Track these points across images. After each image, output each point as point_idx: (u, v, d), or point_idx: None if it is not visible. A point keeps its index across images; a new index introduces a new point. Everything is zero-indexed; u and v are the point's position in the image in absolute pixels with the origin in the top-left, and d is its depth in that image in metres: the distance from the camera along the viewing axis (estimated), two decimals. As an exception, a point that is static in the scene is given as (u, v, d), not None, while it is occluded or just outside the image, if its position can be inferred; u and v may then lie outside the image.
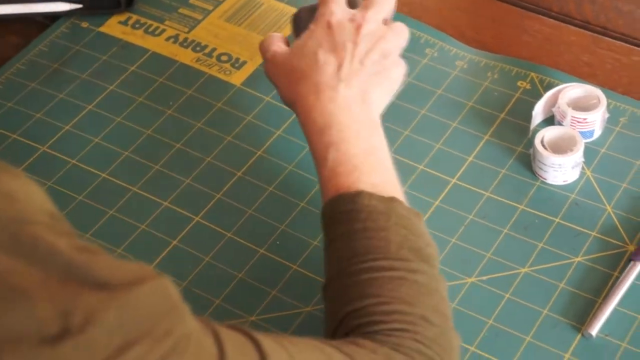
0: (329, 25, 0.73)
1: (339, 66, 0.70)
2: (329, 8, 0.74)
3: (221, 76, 0.85)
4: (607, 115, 0.80)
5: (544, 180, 0.77)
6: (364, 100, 0.70)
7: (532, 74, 0.85)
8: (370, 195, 0.63)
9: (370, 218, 0.62)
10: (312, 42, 0.72)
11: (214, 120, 0.82)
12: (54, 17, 0.89)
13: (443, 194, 0.77)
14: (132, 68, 0.86)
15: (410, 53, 0.86)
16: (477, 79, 0.85)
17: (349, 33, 0.72)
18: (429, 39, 0.88)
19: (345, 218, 0.63)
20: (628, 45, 0.88)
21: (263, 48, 0.75)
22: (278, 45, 0.74)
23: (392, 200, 0.64)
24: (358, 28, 0.72)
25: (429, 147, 0.80)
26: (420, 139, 0.81)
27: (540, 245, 0.73)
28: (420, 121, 0.82)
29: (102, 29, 0.89)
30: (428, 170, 0.78)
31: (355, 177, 0.65)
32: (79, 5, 0.88)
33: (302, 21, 0.76)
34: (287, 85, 0.72)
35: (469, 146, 0.80)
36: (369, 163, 0.66)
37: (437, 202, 0.76)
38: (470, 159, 0.79)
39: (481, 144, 0.80)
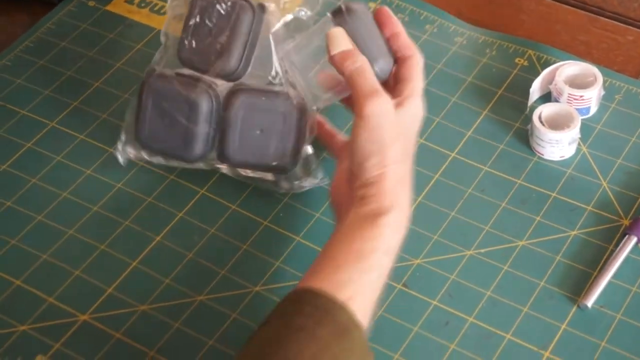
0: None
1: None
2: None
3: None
4: (602, 92, 0.82)
5: (541, 156, 0.79)
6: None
7: (530, 51, 0.87)
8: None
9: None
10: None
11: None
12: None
13: (442, 168, 0.79)
14: (138, 46, 0.87)
15: (410, 29, 0.88)
16: (475, 55, 0.87)
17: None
18: (429, 16, 0.90)
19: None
20: (623, 24, 0.90)
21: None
22: None
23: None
24: None
25: (429, 120, 0.82)
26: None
27: (538, 219, 0.76)
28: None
29: (108, 7, 0.91)
30: (428, 143, 0.80)
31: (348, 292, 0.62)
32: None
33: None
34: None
35: (468, 121, 0.82)
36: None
37: (437, 176, 0.78)
38: (469, 133, 0.81)
39: (480, 119, 0.82)
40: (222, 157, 0.74)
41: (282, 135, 0.73)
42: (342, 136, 0.75)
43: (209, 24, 0.74)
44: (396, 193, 0.65)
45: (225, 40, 0.73)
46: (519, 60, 0.86)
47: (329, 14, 0.71)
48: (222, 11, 0.73)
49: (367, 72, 0.67)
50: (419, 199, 0.77)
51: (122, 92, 0.84)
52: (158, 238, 0.74)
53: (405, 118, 0.68)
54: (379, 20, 0.71)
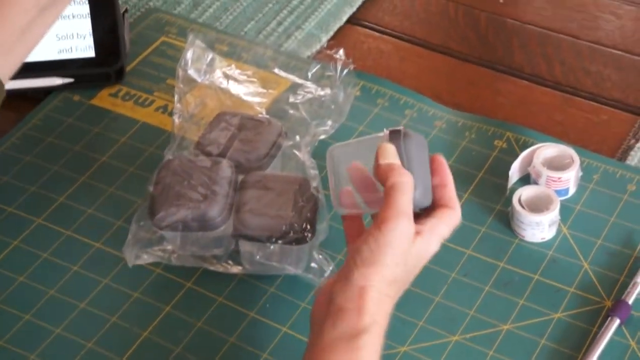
0: None
1: None
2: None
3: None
4: (580, 173, 0.84)
5: (523, 238, 0.80)
6: None
7: (508, 133, 0.89)
8: None
9: None
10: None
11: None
12: (46, 91, 0.92)
13: (426, 253, 0.80)
14: (123, 139, 0.89)
15: (390, 114, 0.90)
16: (455, 139, 0.89)
17: None
18: (408, 100, 0.92)
19: None
20: (597, 104, 0.92)
21: None
22: None
23: None
24: None
25: (411, 207, 0.83)
26: (402, 199, 0.84)
27: (521, 302, 0.76)
28: (402, 182, 0.85)
29: (93, 101, 0.92)
30: (411, 230, 0.81)
31: None
32: (71, 80, 0.91)
33: None
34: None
35: (450, 205, 0.83)
36: None
37: (420, 262, 0.79)
38: (451, 218, 0.83)
39: (462, 202, 0.82)
40: (240, 225, 0.75)
41: (298, 207, 0.75)
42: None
43: (232, 128, 0.82)
44: (377, 310, 0.64)
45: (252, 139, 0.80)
46: (498, 143, 0.88)
47: (386, 130, 0.70)
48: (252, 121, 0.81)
49: (409, 193, 0.66)
50: (404, 285, 0.78)
51: (108, 186, 0.85)
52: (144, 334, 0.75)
53: (418, 251, 0.67)
54: (432, 166, 0.70)
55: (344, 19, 1.02)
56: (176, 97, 0.85)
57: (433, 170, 0.70)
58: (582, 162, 0.84)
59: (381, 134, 0.70)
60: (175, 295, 0.77)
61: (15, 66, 0.70)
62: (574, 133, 0.90)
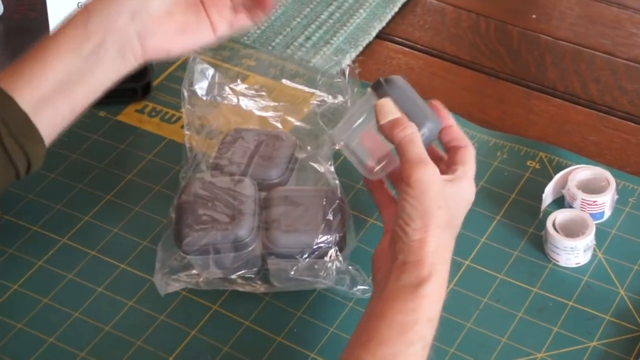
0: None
1: None
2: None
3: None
4: (616, 196, 0.82)
5: (557, 263, 0.79)
6: None
7: (541, 153, 0.87)
8: None
9: None
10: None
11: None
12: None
13: (457, 276, 0.78)
14: (149, 156, 0.87)
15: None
16: (487, 159, 0.87)
17: None
18: (438, 119, 0.90)
19: None
20: (633, 124, 0.90)
21: None
22: None
23: None
24: None
25: (441, 228, 0.81)
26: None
27: (555, 329, 0.74)
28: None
29: (120, 117, 0.91)
30: (442, 252, 0.80)
31: None
32: (96, 95, 0.90)
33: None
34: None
35: (482, 227, 0.82)
36: None
37: (452, 285, 0.78)
38: (483, 240, 0.81)
39: (493, 224, 0.82)
40: (270, 244, 0.74)
41: (327, 220, 0.74)
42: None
43: (248, 145, 0.80)
44: (435, 260, 0.66)
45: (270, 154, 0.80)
46: (531, 163, 0.86)
47: (369, 89, 0.73)
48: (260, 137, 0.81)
49: (417, 141, 0.69)
50: (435, 310, 0.76)
51: (134, 205, 0.83)
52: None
53: (452, 194, 0.69)
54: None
55: (373, 34, 1.00)
56: (185, 119, 0.83)
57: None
58: (618, 185, 0.82)
59: (368, 94, 0.72)
60: (201, 318, 0.76)
61: (53, 122, 0.70)
62: (609, 154, 0.88)
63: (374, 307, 0.66)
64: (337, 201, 0.76)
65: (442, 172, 0.70)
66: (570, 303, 0.76)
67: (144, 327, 0.75)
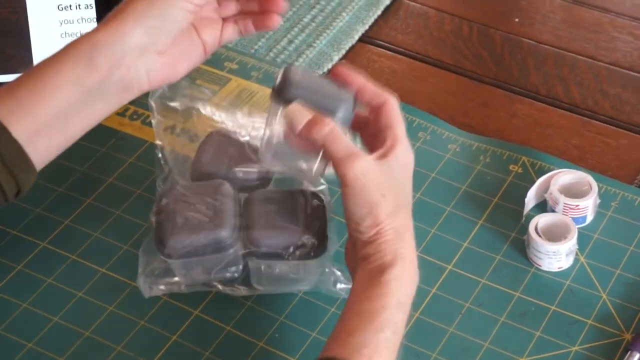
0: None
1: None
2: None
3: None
4: (598, 200, 0.82)
5: (539, 267, 0.78)
6: None
7: (524, 157, 0.87)
8: None
9: None
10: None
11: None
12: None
13: (440, 282, 0.78)
14: (130, 160, 0.87)
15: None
16: (469, 163, 0.87)
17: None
18: (421, 123, 0.90)
19: None
20: (615, 128, 0.90)
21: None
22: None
23: None
24: None
25: (424, 232, 0.81)
26: (415, 223, 0.82)
27: (537, 334, 0.74)
28: (415, 205, 0.82)
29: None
30: (424, 256, 0.79)
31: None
32: (77, 98, 0.90)
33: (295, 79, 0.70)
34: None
35: (464, 231, 0.81)
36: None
37: (434, 290, 0.77)
38: (465, 244, 0.81)
39: (476, 229, 0.82)
40: (250, 244, 0.73)
41: (308, 220, 0.74)
42: None
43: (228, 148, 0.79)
44: (396, 246, 0.66)
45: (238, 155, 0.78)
46: (513, 167, 0.86)
47: (271, 101, 0.70)
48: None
49: (338, 135, 0.67)
50: (416, 314, 0.75)
51: (115, 209, 0.83)
52: None
53: (392, 169, 0.67)
54: (340, 81, 0.70)
55: (356, 37, 1.00)
56: (155, 131, 0.82)
57: (342, 82, 0.70)
58: (600, 189, 0.82)
59: (272, 110, 0.70)
60: (182, 323, 0.75)
61: (47, 152, 0.69)
62: (591, 157, 0.88)
63: (347, 300, 0.66)
64: (317, 201, 0.75)
65: (372, 137, 0.69)
66: (553, 307, 0.76)
67: (125, 332, 0.74)
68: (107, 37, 0.70)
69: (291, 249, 0.73)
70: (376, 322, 0.63)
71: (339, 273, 0.75)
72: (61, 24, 0.89)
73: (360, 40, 1.00)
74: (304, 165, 0.71)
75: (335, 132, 0.67)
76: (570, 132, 0.90)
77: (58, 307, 0.76)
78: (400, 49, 0.99)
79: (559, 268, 0.78)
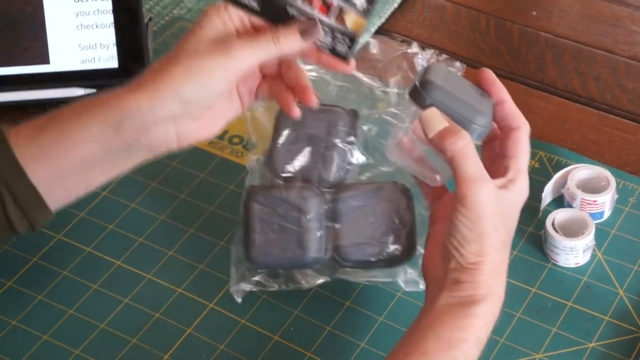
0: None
1: None
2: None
3: (233, 158, 0.86)
4: (616, 196, 0.81)
5: (556, 263, 0.78)
6: None
7: (541, 152, 0.86)
8: None
9: None
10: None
11: (226, 204, 0.82)
12: (68, 102, 0.90)
13: (455, 276, 0.78)
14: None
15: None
16: (486, 157, 0.86)
17: None
18: (437, 116, 0.89)
19: None
20: (633, 122, 0.90)
21: None
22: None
23: None
24: None
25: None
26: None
27: (554, 330, 0.74)
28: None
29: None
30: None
31: None
32: (93, 90, 0.89)
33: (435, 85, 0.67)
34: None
35: (480, 226, 0.81)
36: None
37: (449, 285, 0.77)
38: (482, 239, 0.80)
39: (492, 223, 0.81)
40: (340, 258, 0.73)
41: (394, 224, 0.73)
42: (449, 194, 0.70)
43: (302, 135, 0.75)
44: (491, 282, 0.64)
45: (324, 148, 0.74)
46: (531, 162, 0.85)
47: (408, 97, 0.67)
48: (316, 120, 0.74)
49: (470, 154, 0.64)
50: (432, 309, 0.75)
51: (130, 202, 0.83)
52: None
53: (509, 204, 0.66)
54: (481, 87, 0.68)
55: (373, 30, 0.99)
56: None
57: (484, 88, 0.68)
58: (618, 184, 0.82)
59: (408, 107, 0.67)
60: (197, 316, 0.75)
61: (65, 197, 0.67)
62: (609, 153, 0.87)
63: (422, 320, 0.64)
64: (407, 200, 0.73)
65: (493, 157, 0.67)
66: (569, 303, 0.75)
67: (140, 324, 0.74)
68: (139, 104, 0.65)
69: (379, 259, 0.73)
70: (453, 352, 0.62)
71: (410, 274, 0.74)
72: (77, 15, 0.89)
73: (377, 33, 0.99)
74: (428, 169, 0.69)
75: (469, 149, 0.64)
76: (587, 127, 0.90)
77: (73, 300, 0.76)
78: (417, 42, 0.98)
79: (576, 264, 0.78)
